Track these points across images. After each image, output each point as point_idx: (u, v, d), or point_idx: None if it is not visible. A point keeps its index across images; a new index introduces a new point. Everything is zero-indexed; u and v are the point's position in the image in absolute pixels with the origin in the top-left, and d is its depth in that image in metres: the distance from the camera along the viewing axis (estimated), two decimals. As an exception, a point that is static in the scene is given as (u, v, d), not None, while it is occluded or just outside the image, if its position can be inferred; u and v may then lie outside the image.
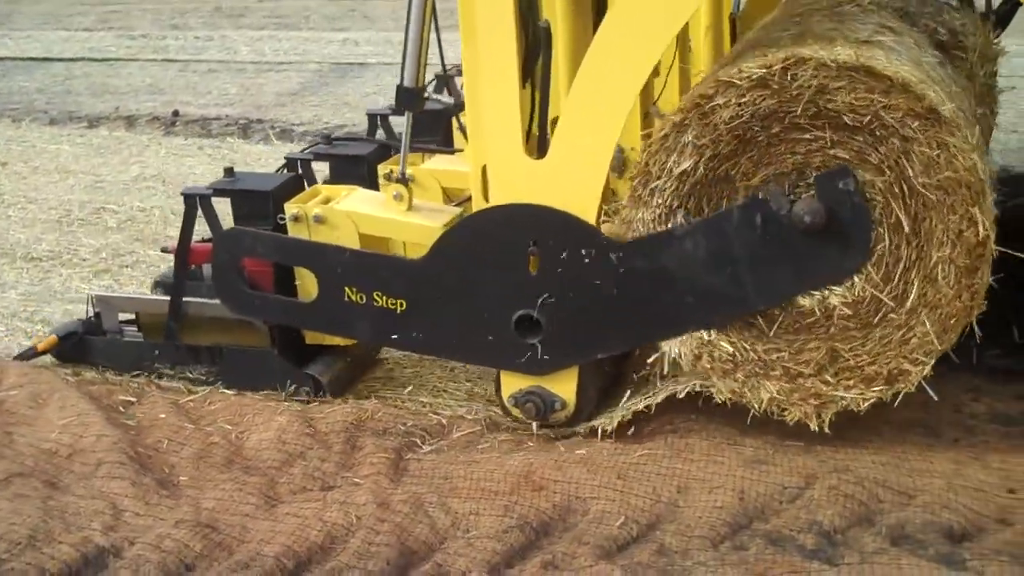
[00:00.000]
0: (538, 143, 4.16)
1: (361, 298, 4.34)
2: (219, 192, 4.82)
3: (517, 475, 3.92)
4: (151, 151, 9.60)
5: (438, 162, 5.37)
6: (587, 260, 4.02)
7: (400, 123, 6.44)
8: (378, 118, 6.50)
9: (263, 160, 9.12)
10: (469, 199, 4.70)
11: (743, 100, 3.74)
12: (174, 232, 7.10)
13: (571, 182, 4.00)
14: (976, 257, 3.71)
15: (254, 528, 3.72)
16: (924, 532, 3.52)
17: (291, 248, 4.52)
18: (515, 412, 4.33)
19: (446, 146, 5.73)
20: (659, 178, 3.94)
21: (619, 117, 3.95)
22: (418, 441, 4.29)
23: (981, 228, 3.66)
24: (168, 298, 4.86)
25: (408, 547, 3.60)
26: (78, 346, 5.03)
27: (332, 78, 12.68)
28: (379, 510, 3.75)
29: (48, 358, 5.07)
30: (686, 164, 3.87)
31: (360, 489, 3.90)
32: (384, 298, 4.31)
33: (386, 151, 5.65)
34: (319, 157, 5.61)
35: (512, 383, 4.30)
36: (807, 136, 3.78)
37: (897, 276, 3.82)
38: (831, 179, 3.77)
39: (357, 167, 5.44)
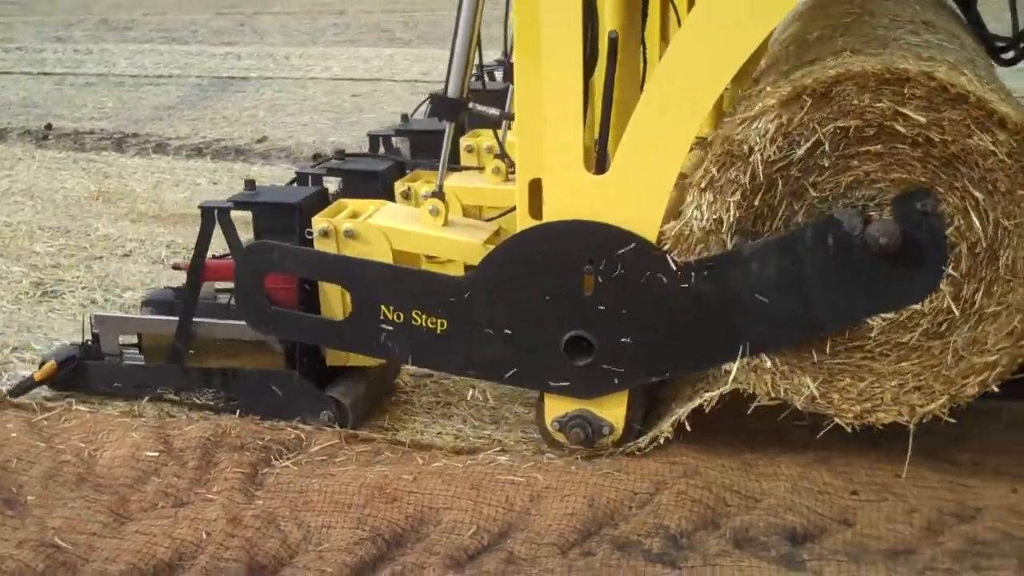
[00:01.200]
0: (597, 158, 4.00)
1: (399, 317, 4.18)
2: (240, 205, 4.61)
3: (372, 487, 3.91)
4: (23, 165, 9.42)
5: (457, 179, 5.24)
6: (647, 280, 3.89)
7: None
8: (380, 139, 6.31)
9: (139, 174, 9.00)
10: (503, 214, 4.67)
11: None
12: (41, 248, 7.00)
13: (633, 199, 3.88)
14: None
15: (101, 546, 3.65)
16: (767, 534, 3.59)
17: (325, 263, 4.35)
18: (558, 437, 4.19)
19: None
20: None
21: (689, 132, 3.85)
22: (275, 456, 4.24)
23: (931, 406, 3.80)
24: (175, 318, 4.63)
25: (257, 562, 3.57)
26: (76, 372, 4.79)
27: (212, 92, 12.56)
28: (230, 526, 3.70)
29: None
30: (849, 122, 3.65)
31: (212, 505, 3.85)
32: (424, 317, 4.15)
33: (401, 168, 5.52)
34: (332, 172, 5.42)
35: (556, 407, 4.16)
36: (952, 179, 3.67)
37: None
38: (909, 200, 3.69)
39: (371, 183, 5.27)
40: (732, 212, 3.79)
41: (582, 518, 3.69)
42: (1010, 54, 5.69)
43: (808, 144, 3.70)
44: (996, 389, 3.76)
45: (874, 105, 3.62)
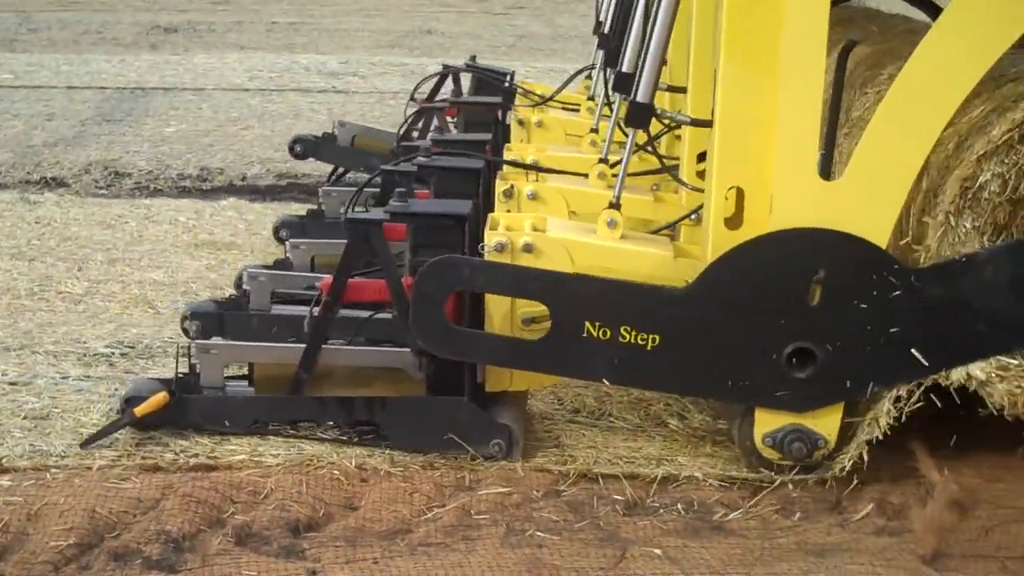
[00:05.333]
0: (821, 164, 3.93)
1: (605, 333, 3.93)
2: (397, 217, 4.21)
3: None
4: None
5: (561, 183, 5.00)
6: (878, 288, 3.86)
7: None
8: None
9: None
10: (672, 224, 4.57)
11: None
12: None
13: (868, 205, 3.85)
14: None
15: None
16: (270, 528, 3.64)
17: (525, 279, 4.02)
18: (767, 453, 4.02)
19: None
20: None
21: (932, 136, 3.85)
22: None
23: None
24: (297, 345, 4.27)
25: None
26: (176, 407, 4.21)
27: None
28: None
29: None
30: None
31: None
32: (633, 333, 3.93)
33: (489, 166, 5.12)
34: (424, 170, 4.87)
35: (768, 422, 4.00)
36: None
37: None
38: None
39: (470, 182, 4.78)
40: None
41: (81, 532, 3.58)
42: None
43: None
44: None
45: None
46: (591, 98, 6.63)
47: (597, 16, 7.13)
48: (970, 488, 3.92)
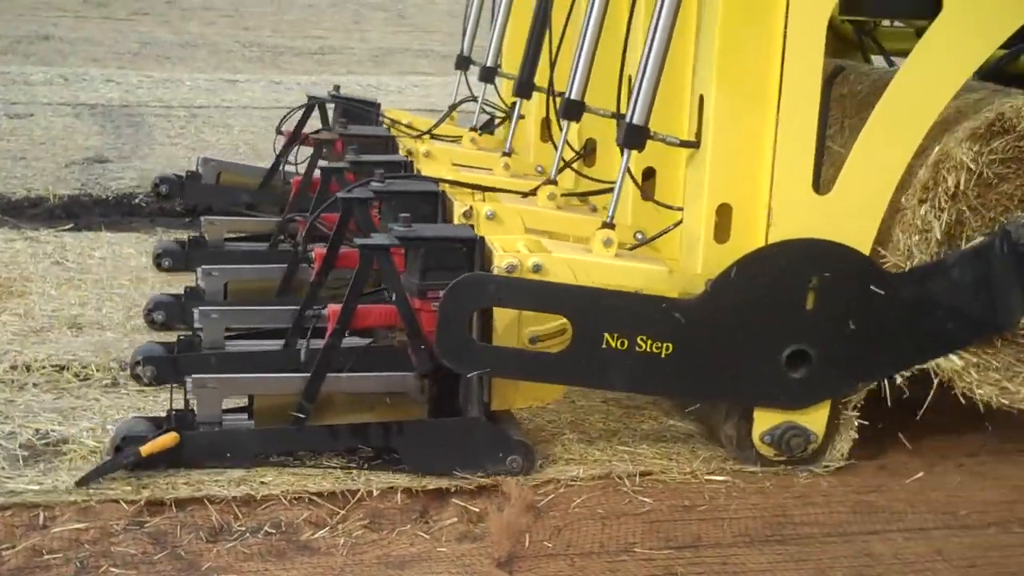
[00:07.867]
0: (813, 178, 4.17)
1: (622, 344, 4.06)
2: (406, 241, 4.22)
3: None
4: None
5: (516, 203, 5.03)
6: (863, 292, 4.16)
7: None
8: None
9: None
10: (655, 237, 4.60)
11: None
12: None
13: (855, 216, 4.16)
14: None
15: None
16: None
17: (546, 294, 4.12)
18: (765, 450, 4.28)
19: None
20: None
21: (910, 151, 4.16)
22: None
23: None
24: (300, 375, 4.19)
25: None
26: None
27: None
28: None
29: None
30: None
31: None
32: (648, 342, 4.06)
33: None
34: (380, 195, 4.79)
35: (765, 420, 4.27)
36: None
37: None
38: None
39: (425, 206, 4.80)
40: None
41: None
42: None
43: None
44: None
45: None
46: (474, 128, 6.68)
47: (463, 50, 7.04)
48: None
